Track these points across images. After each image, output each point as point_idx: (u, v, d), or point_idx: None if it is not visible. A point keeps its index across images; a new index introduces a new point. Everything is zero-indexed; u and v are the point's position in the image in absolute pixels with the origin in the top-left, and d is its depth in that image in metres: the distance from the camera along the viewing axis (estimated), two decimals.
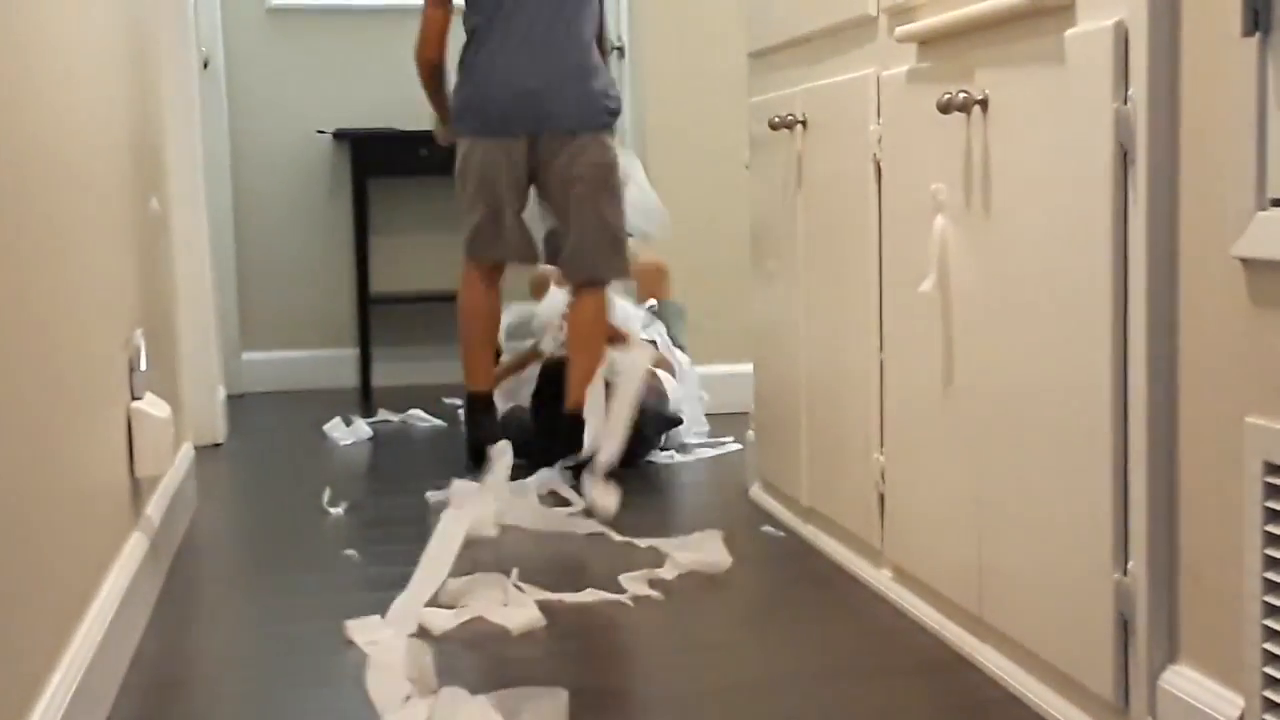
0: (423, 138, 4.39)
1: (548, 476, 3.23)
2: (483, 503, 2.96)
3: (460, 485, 3.04)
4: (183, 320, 3.57)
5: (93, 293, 2.13)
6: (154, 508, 2.58)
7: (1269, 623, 1.41)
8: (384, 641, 2.13)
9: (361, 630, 2.19)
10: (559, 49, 3.40)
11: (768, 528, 2.83)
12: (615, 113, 3.49)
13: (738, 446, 3.55)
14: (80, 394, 2.00)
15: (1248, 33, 1.40)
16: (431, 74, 3.62)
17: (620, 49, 4.88)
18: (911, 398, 2.22)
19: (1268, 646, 1.42)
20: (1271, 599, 1.41)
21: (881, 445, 2.35)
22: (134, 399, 2.40)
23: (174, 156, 3.54)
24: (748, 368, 3.14)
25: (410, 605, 2.29)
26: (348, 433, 4.04)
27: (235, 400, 4.58)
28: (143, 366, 2.46)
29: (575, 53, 3.40)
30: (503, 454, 3.16)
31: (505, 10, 3.39)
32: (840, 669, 2.05)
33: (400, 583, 2.38)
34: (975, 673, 2.00)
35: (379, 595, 2.35)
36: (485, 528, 2.85)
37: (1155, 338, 1.59)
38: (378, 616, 2.24)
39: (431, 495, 3.11)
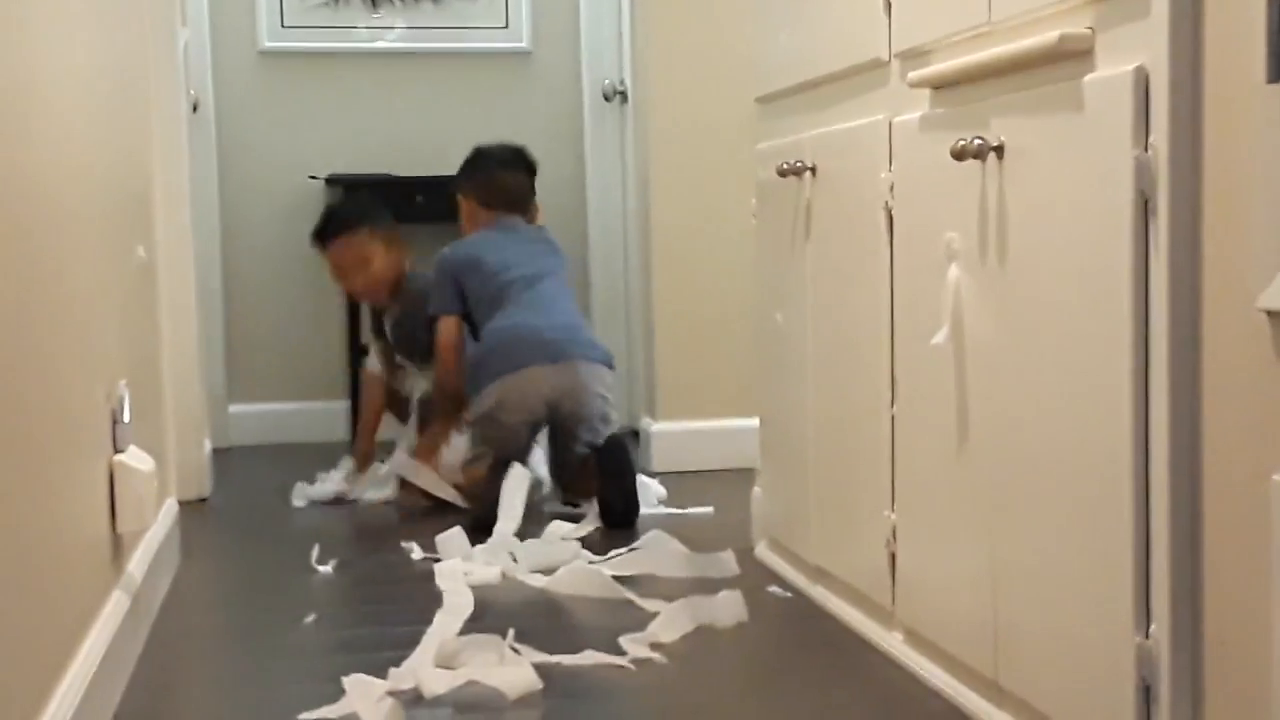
0: (417, 184, 4.42)
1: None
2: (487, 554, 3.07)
3: (451, 536, 3.10)
4: (168, 371, 3.57)
5: (75, 342, 2.13)
6: (136, 565, 2.57)
7: None
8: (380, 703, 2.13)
9: (362, 691, 2.18)
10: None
11: (774, 588, 2.82)
12: None
13: (707, 510, 3.62)
14: (61, 447, 1.99)
15: (1273, 79, 1.41)
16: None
17: (623, 93, 4.92)
18: (924, 454, 2.22)
19: None
20: None
21: (893, 503, 2.34)
22: (117, 452, 2.40)
23: (161, 202, 3.55)
24: (753, 422, 3.14)
25: (417, 664, 2.31)
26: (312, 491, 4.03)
27: (221, 454, 4.58)
28: (126, 418, 2.46)
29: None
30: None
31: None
32: None
33: (391, 643, 2.37)
34: None
35: (369, 656, 2.34)
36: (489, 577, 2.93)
37: (1177, 393, 1.59)
38: (372, 677, 2.23)
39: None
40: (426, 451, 3.90)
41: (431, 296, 3.93)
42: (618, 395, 3.84)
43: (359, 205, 4.37)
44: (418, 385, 4.15)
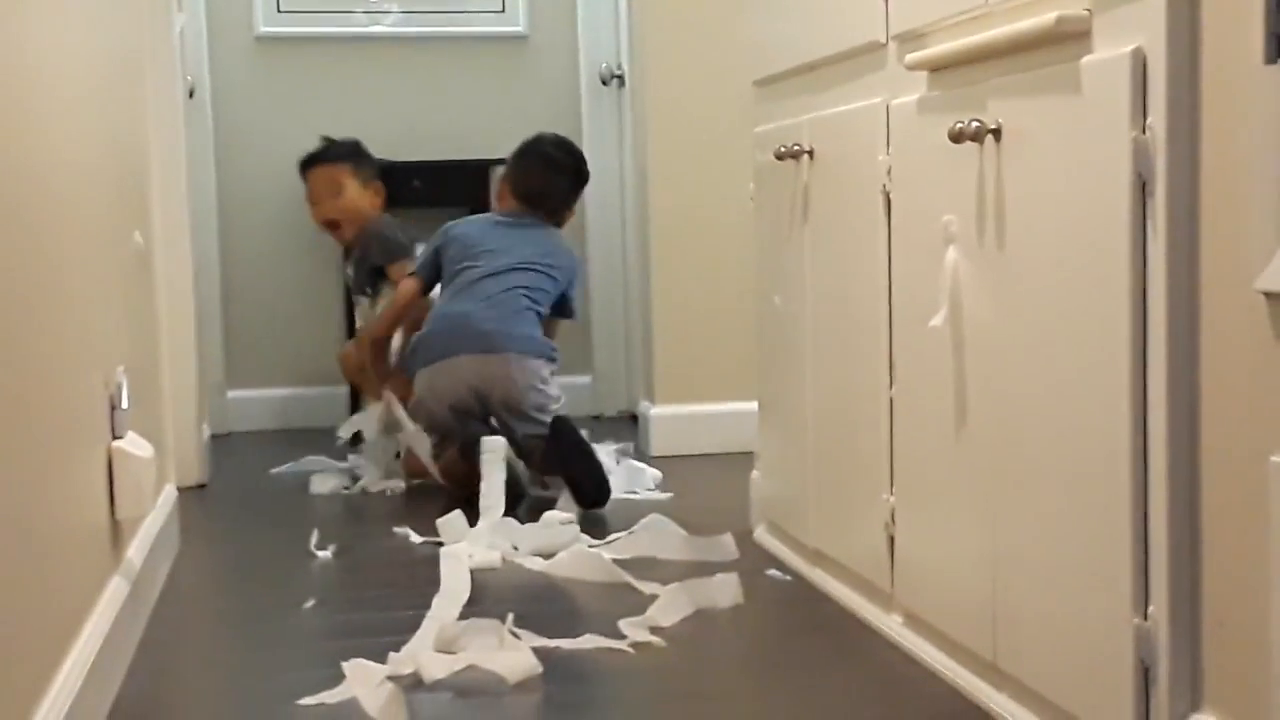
0: (415, 169, 4.42)
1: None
2: (488, 538, 3.07)
3: (452, 520, 3.10)
4: (166, 357, 3.57)
5: (73, 328, 2.14)
6: (135, 551, 2.57)
7: None
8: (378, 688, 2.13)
9: (361, 675, 2.18)
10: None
11: (773, 571, 2.82)
12: None
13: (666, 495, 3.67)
14: (59, 433, 2.00)
15: (1270, 60, 1.41)
16: None
17: (620, 77, 4.91)
18: (923, 436, 2.22)
19: None
20: None
21: (892, 486, 2.34)
22: (115, 438, 2.40)
23: (158, 189, 3.55)
24: (752, 406, 3.15)
25: (416, 648, 2.31)
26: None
27: (220, 439, 4.58)
28: (124, 405, 2.46)
29: None
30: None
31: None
32: (848, 719, 2.04)
33: (391, 628, 2.38)
34: None
35: (368, 641, 2.34)
36: (490, 561, 2.94)
37: (1175, 374, 1.59)
38: (372, 662, 2.23)
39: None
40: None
41: (422, 251, 4.06)
42: (616, 379, 3.86)
43: (350, 144, 4.66)
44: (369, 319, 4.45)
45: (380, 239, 4.46)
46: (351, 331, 4.86)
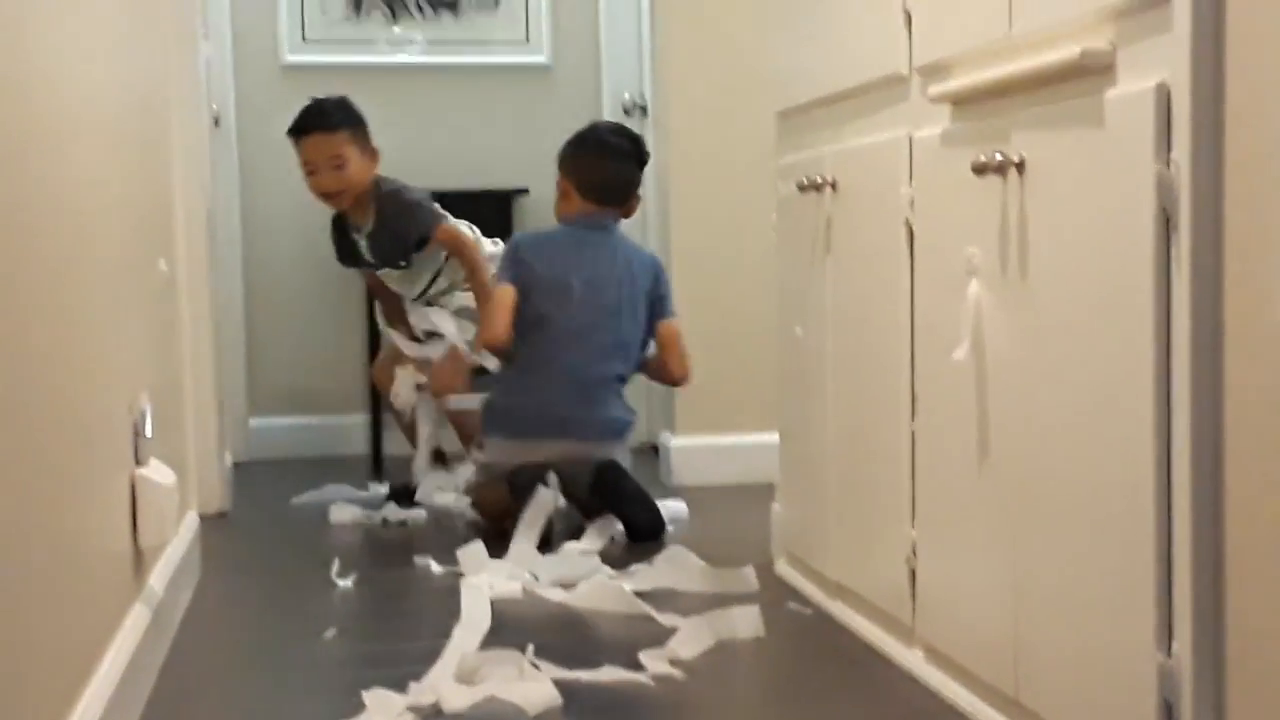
0: (439, 198, 4.43)
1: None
2: (508, 568, 3.07)
3: (473, 551, 3.10)
4: (190, 384, 3.58)
5: (97, 355, 2.14)
6: (157, 578, 2.58)
7: None
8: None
9: (382, 705, 2.18)
10: None
11: (794, 604, 2.81)
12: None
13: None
14: (83, 460, 2.00)
15: None
16: None
17: (643, 107, 4.93)
18: (945, 469, 2.22)
19: None
20: None
21: (913, 519, 2.34)
22: (138, 465, 2.41)
23: (183, 216, 3.56)
24: (773, 437, 3.14)
25: (436, 679, 2.31)
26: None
27: (242, 467, 4.59)
28: (148, 432, 2.47)
29: None
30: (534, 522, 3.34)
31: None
32: None
33: (411, 658, 2.38)
34: None
35: (389, 671, 2.34)
36: (511, 592, 2.94)
37: (1200, 409, 1.58)
38: (393, 692, 2.23)
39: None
40: (451, 376, 4.17)
41: (500, 264, 3.83)
42: (638, 410, 3.84)
43: (340, 105, 4.23)
44: (407, 288, 4.34)
45: (411, 209, 4.19)
46: (374, 352, 4.78)
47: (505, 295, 3.69)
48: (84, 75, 2.12)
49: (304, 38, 5.10)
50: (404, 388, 4.20)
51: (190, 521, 3.20)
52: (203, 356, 3.87)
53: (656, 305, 3.76)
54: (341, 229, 4.30)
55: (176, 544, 2.86)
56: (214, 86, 4.49)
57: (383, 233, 4.19)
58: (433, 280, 4.30)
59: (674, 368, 3.79)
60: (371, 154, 4.18)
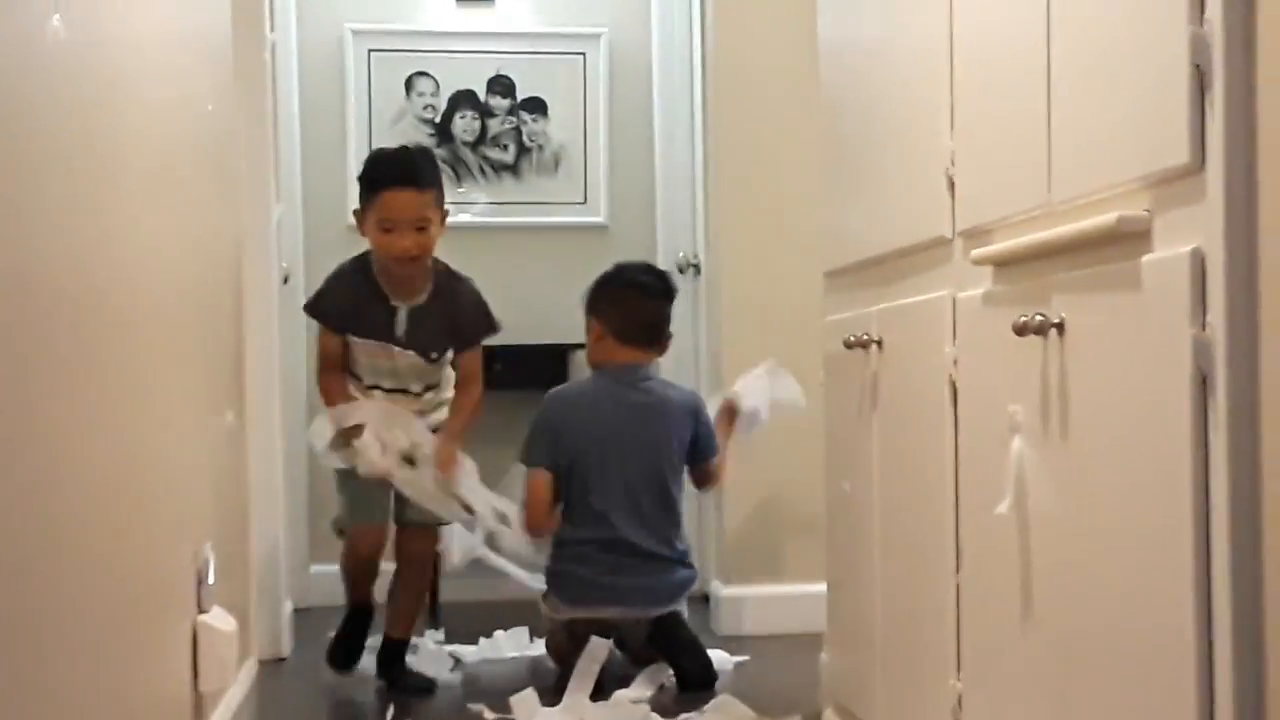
0: (498, 352, 4.45)
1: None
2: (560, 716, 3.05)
3: (525, 698, 3.07)
4: (253, 533, 3.60)
5: (164, 505, 2.16)
6: (221, 715, 2.57)
7: None
8: None
9: None
10: None
11: None
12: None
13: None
14: (147, 606, 2.01)
15: None
16: None
17: (696, 266, 4.96)
18: (990, 623, 2.19)
19: None
20: None
21: (959, 671, 2.31)
22: (201, 612, 2.41)
23: (252, 368, 3.60)
24: (821, 587, 3.12)
25: None
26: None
27: (301, 613, 4.58)
28: (211, 579, 2.48)
29: None
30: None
31: None
32: None
33: None
34: None
35: None
36: None
37: (1239, 570, 1.56)
38: None
39: None
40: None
41: (528, 443, 3.72)
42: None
43: (430, 161, 3.73)
44: (407, 382, 3.70)
45: (481, 302, 3.66)
46: None
47: (541, 486, 3.67)
48: (163, 237, 2.16)
49: None
50: (372, 451, 3.44)
51: (249, 667, 3.20)
52: (267, 505, 3.88)
53: (700, 446, 3.76)
54: (372, 292, 3.59)
55: (236, 689, 2.86)
56: (284, 245, 4.55)
57: (432, 314, 3.59)
58: (428, 388, 3.74)
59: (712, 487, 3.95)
60: (445, 220, 3.62)
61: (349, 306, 3.58)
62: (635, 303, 3.78)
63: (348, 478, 3.56)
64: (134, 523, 1.91)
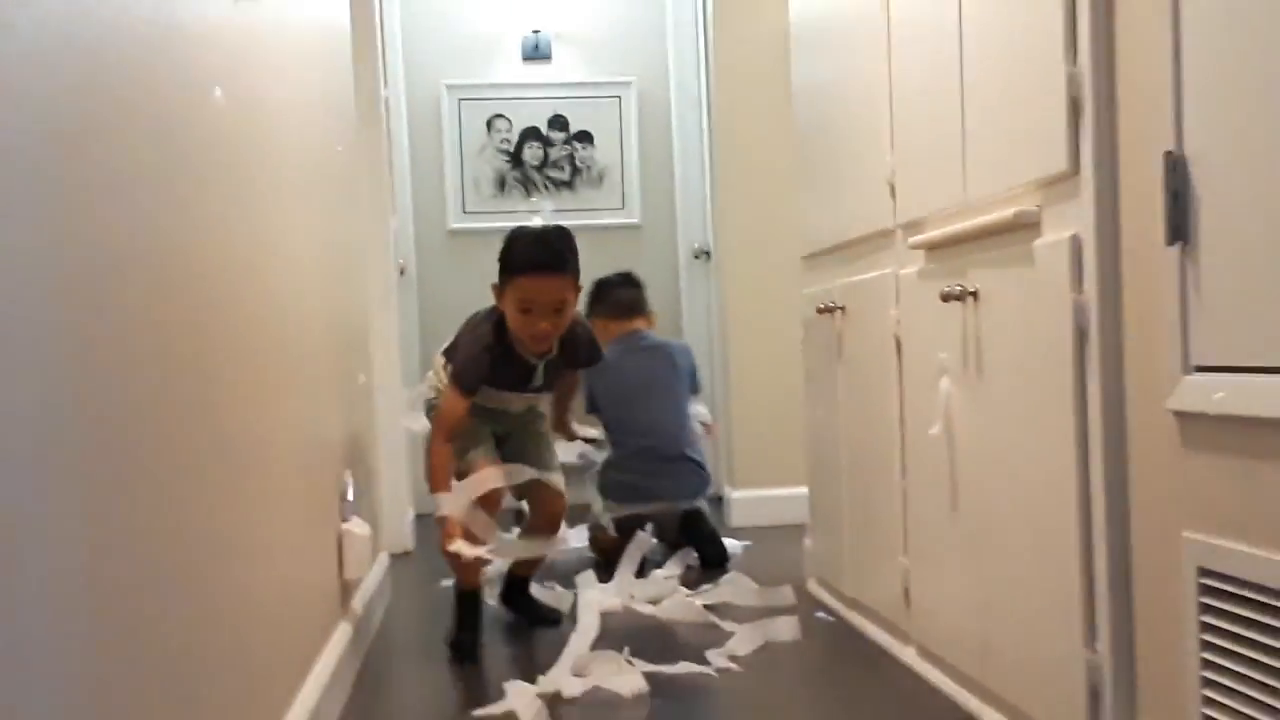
0: None
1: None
2: (613, 589, 3.03)
3: (586, 576, 3.09)
4: (383, 459, 3.62)
5: (317, 444, 2.18)
6: (358, 601, 2.59)
7: (1206, 692, 1.38)
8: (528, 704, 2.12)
9: (518, 693, 2.18)
10: None
11: (820, 614, 2.78)
12: None
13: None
14: (306, 518, 2.03)
15: (1170, 243, 1.41)
16: None
17: (707, 253, 4.95)
18: (928, 514, 2.20)
19: (1206, 713, 1.38)
20: (1208, 674, 1.37)
21: (906, 551, 2.32)
22: (343, 521, 2.44)
23: (377, 343, 3.62)
24: (804, 490, 3.12)
25: (557, 673, 2.30)
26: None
27: (423, 518, 4.60)
28: (350, 497, 2.50)
29: None
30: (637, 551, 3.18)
31: None
32: None
33: (539, 658, 2.38)
34: None
35: (523, 667, 2.35)
36: (614, 606, 2.90)
37: (1110, 471, 1.57)
38: (527, 684, 2.23)
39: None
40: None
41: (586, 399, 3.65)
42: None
43: (569, 245, 2.77)
44: (523, 406, 2.91)
45: (594, 343, 2.93)
46: None
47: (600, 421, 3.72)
48: (308, 239, 2.17)
49: (464, 209, 5.18)
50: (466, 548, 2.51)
51: (382, 559, 3.22)
52: (391, 440, 3.91)
53: (693, 379, 3.83)
54: (508, 353, 2.74)
55: (371, 577, 2.88)
56: (400, 246, 4.56)
57: (561, 359, 2.83)
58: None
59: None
60: (579, 291, 2.80)
61: (488, 372, 2.71)
62: (612, 291, 3.87)
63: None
64: (296, 457, 1.93)
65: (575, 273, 2.73)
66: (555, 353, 2.79)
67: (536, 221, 2.85)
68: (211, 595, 1.36)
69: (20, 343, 0.86)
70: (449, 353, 2.85)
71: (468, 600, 2.71)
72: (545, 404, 3.02)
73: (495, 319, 2.73)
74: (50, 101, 0.94)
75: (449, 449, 2.64)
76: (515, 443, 2.89)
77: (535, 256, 2.66)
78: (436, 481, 2.57)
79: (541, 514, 2.92)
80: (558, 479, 2.90)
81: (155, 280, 1.18)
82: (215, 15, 1.48)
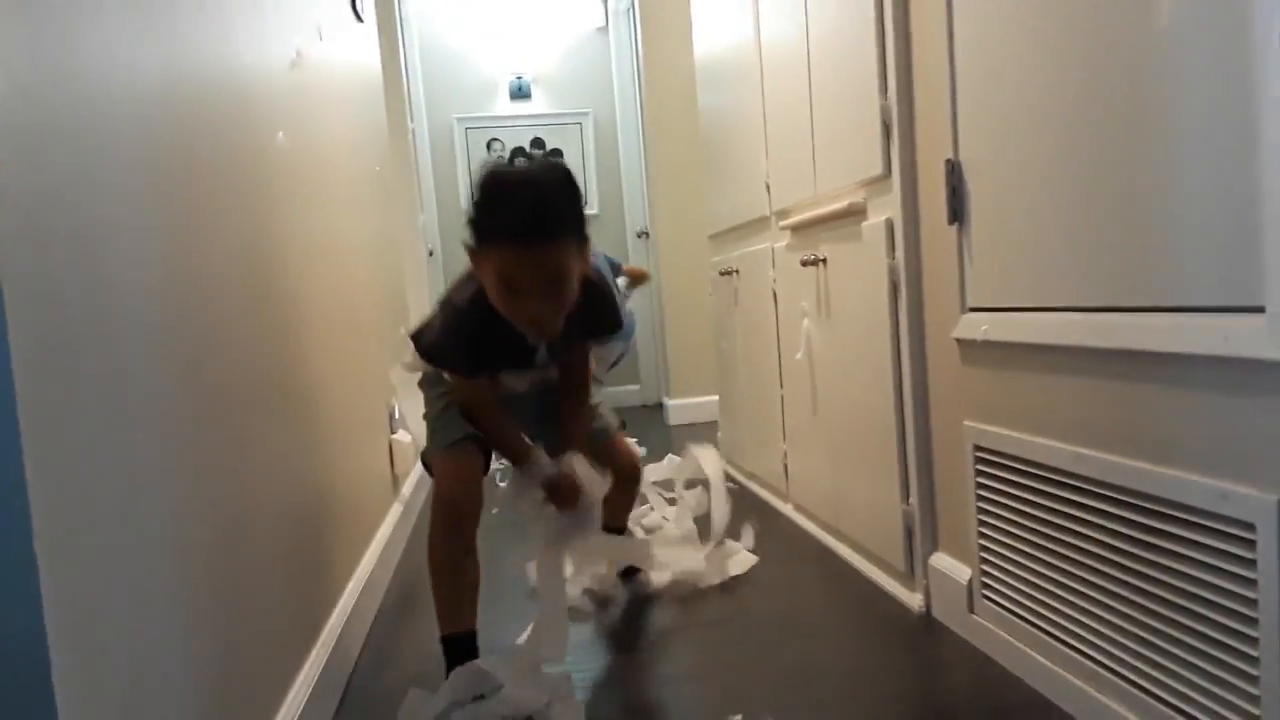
0: None
1: None
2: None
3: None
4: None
5: (370, 380, 2.17)
6: (406, 488, 2.59)
7: (980, 528, 1.42)
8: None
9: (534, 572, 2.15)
10: None
11: (729, 484, 2.76)
12: None
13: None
14: (367, 430, 2.03)
15: (950, 223, 1.42)
16: None
17: (647, 233, 4.92)
18: (798, 414, 2.22)
19: (980, 543, 1.42)
20: (981, 516, 1.41)
21: (784, 438, 2.34)
22: (392, 433, 2.42)
23: (412, 306, 3.58)
24: (715, 398, 3.14)
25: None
26: None
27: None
28: (397, 416, 2.49)
29: None
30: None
31: None
32: (765, 558, 2.03)
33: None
34: (836, 557, 1.98)
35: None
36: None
37: (915, 381, 1.60)
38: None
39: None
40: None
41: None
42: (650, 385, 3.81)
43: (568, 190, 1.39)
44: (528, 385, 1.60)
45: (613, 305, 1.52)
46: None
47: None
48: (363, 231, 2.14)
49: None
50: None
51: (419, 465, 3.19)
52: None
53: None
54: (499, 333, 1.42)
55: (413, 475, 2.87)
56: (427, 235, 4.50)
57: (573, 329, 1.46)
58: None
59: None
60: (587, 249, 1.42)
61: (475, 355, 1.46)
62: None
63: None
64: (358, 388, 1.93)
65: (577, 228, 1.37)
66: (563, 328, 1.42)
67: (520, 163, 1.41)
68: (313, 483, 1.37)
69: (160, 329, 0.87)
70: (418, 336, 1.55)
71: (454, 649, 1.42)
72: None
73: (474, 292, 1.41)
74: (153, 156, 0.93)
75: (500, 422, 1.51)
76: (544, 421, 1.59)
77: (516, 222, 1.32)
78: (512, 454, 1.52)
79: (618, 470, 1.66)
80: (610, 425, 1.69)
81: (246, 272, 1.18)
82: (276, 77, 1.46)
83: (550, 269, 1.32)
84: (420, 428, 1.58)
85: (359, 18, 2.47)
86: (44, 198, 0.71)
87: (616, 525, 1.80)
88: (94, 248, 0.78)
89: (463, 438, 1.47)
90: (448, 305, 1.43)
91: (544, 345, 1.48)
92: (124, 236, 0.84)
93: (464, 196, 5.07)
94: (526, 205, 1.30)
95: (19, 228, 0.67)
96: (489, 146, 5.10)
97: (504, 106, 5.10)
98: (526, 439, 1.50)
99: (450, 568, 1.44)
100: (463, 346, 1.43)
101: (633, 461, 1.71)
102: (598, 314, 1.48)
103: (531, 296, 1.33)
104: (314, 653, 1.35)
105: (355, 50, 2.39)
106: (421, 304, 3.82)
